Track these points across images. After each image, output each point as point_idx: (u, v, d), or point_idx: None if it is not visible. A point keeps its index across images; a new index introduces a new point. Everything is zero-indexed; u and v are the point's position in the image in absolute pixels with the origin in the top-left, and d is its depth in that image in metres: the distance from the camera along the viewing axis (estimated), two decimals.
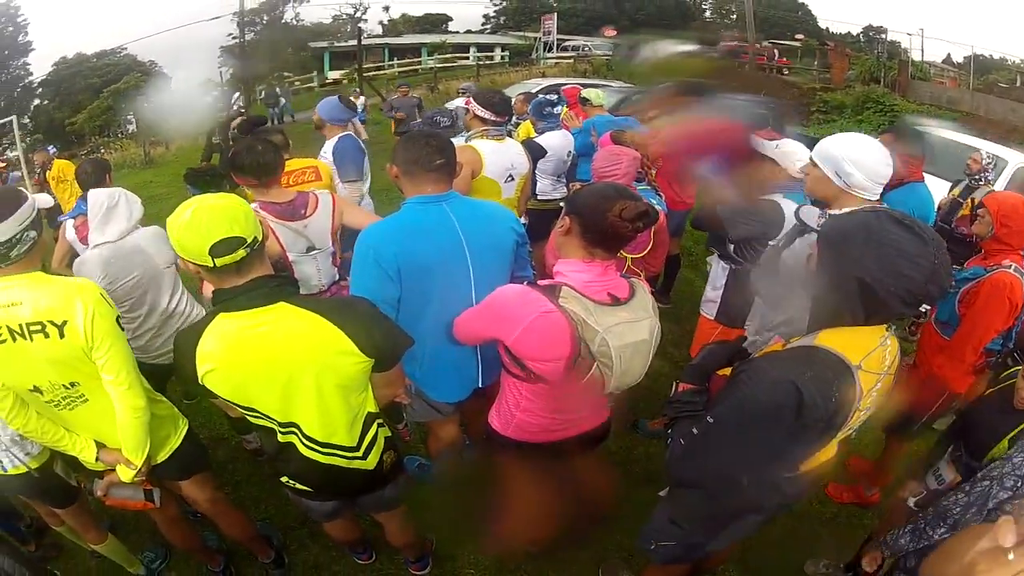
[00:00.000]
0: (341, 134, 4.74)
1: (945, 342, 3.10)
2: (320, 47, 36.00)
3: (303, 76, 33.39)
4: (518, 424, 2.34)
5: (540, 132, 5.56)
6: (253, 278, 1.82)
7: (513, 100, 6.11)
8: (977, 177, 5.42)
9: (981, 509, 1.99)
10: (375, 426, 2.16)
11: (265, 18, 38.33)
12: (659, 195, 3.95)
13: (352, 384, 2.00)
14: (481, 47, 37.65)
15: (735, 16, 38.21)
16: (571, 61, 30.57)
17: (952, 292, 3.02)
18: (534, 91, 10.29)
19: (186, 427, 2.66)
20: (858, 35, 38.03)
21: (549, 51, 32.71)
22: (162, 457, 2.55)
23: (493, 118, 3.98)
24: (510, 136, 4.54)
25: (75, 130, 30.94)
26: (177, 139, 20.04)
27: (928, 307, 1.63)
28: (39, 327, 2.11)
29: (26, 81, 34.24)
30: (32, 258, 2.19)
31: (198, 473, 2.76)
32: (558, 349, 1.97)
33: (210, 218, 1.71)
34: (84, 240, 3.41)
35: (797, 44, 33.21)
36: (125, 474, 2.39)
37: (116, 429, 2.32)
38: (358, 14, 39.42)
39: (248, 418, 2.04)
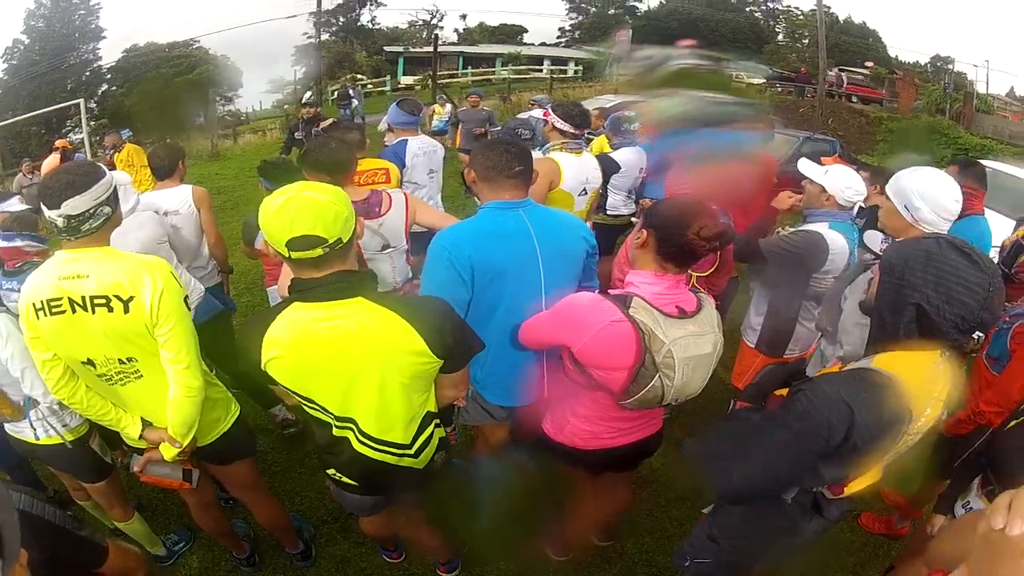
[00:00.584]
0: (397, 139, 4.91)
1: (994, 377, 3.05)
2: (395, 51, 36.76)
3: (376, 80, 34.08)
4: (571, 430, 2.43)
5: (615, 148, 5.56)
6: (332, 272, 1.84)
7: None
8: None
9: None
10: (432, 426, 2.16)
11: (342, 19, 39.35)
12: (727, 215, 3.91)
13: (417, 384, 2.00)
14: (555, 60, 37.90)
15: (807, 40, 38.01)
16: None
17: (1006, 328, 2.99)
18: (607, 106, 10.31)
19: (237, 412, 2.70)
20: (926, 65, 37.51)
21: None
22: (208, 440, 2.58)
23: (572, 131, 4.02)
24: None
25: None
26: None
27: (981, 335, 1.71)
28: (103, 301, 2.16)
29: (95, 66, 35.59)
30: (103, 233, 2.24)
31: (241, 459, 2.79)
32: (623, 358, 2.05)
33: (297, 212, 1.72)
34: None
35: (866, 71, 32.80)
36: (168, 452, 2.42)
37: (165, 409, 2.35)
38: (434, 21, 40.15)
39: (304, 408, 2.05)
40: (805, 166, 3.27)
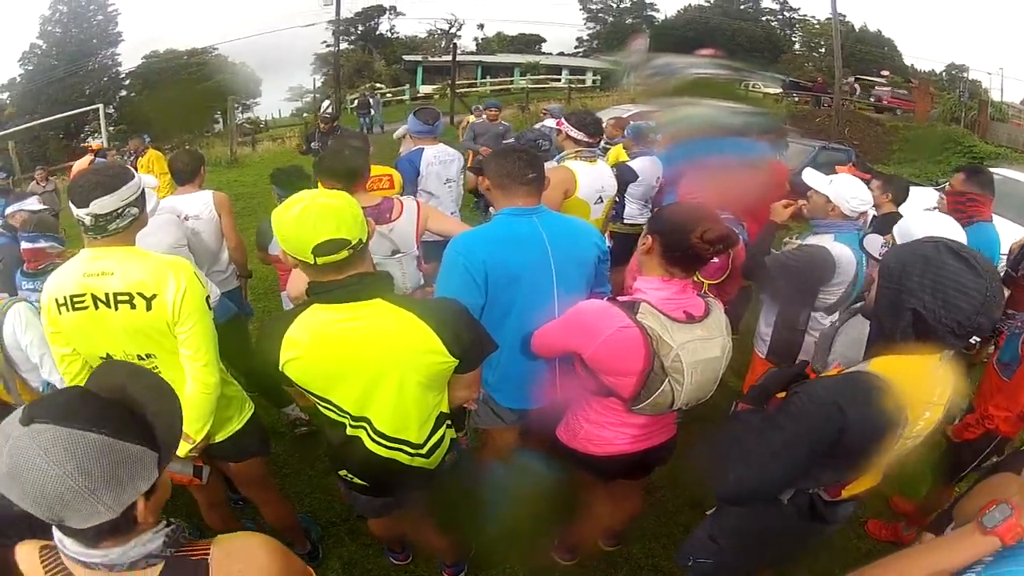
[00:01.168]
0: (413, 147, 5.01)
1: (1004, 383, 3.08)
2: (414, 60, 37.04)
3: (395, 88, 34.35)
4: (584, 436, 2.47)
5: (633, 157, 5.62)
6: (352, 274, 1.90)
7: (604, 123, 6.23)
8: None
9: None
10: (444, 427, 2.21)
11: (360, 28, 39.68)
12: (741, 224, 3.97)
13: (433, 383, 2.06)
14: (573, 70, 38.02)
15: (823, 50, 38.17)
16: None
17: (1017, 333, 3.05)
18: (624, 116, 10.34)
19: (251, 411, 2.77)
20: (941, 73, 37.44)
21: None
22: (221, 437, 2.65)
23: (586, 139, 4.09)
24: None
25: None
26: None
27: (978, 339, 1.73)
28: (127, 298, 2.24)
29: (114, 71, 35.98)
30: (129, 233, 2.32)
31: (253, 457, 2.85)
32: (633, 363, 2.11)
33: (317, 218, 1.79)
34: None
35: (883, 80, 32.75)
36: (181, 448, 2.45)
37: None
38: (453, 30, 40.44)
39: (319, 408, 2.11)
40: (809, 176, 3.32)
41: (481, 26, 42.74)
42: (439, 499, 2.42)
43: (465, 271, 2.47)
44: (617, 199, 4.58)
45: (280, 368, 1.95)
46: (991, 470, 2.57)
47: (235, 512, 3.27)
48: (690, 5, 43.30)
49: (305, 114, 31.88)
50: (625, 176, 4.77)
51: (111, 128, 26.47)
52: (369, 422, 2.06)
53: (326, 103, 18.88)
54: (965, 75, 33.30)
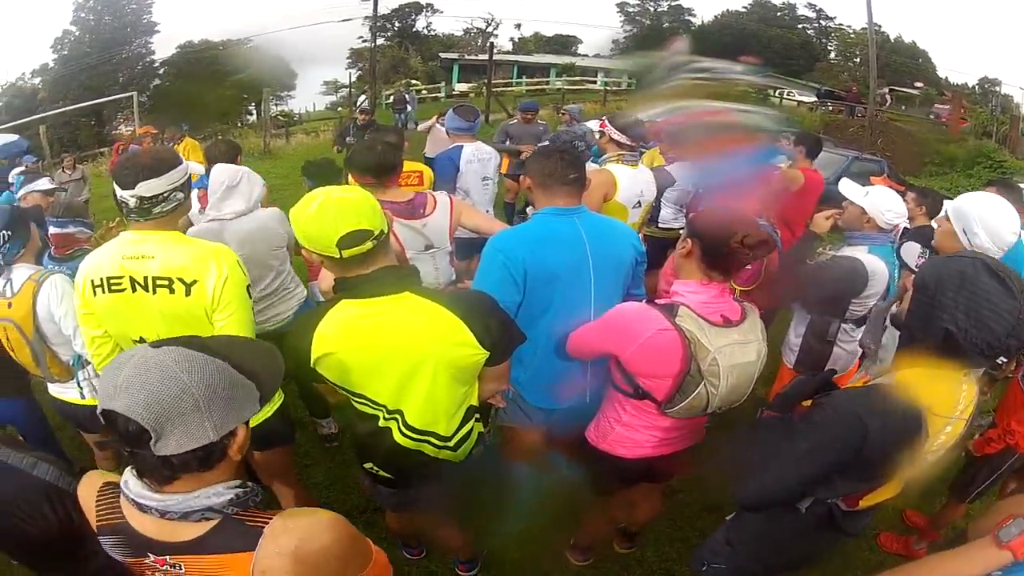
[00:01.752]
0: (453, 145, 5.07)
1: None
2: (450, 58, 37.12)
3: (431, 86, 34.51)
4: (615, 438, 2.50)
5: (671, 161, 5.62)
6: (379, 268, 1.93)
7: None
8: None
9: None
10: (472, 420, 2.23)
11: (397, 24, 39.86)
12: (775, 231, 3.96)
13: (464, 375, 2.07)
14: (609, 72, 37.93)
15: (858, 59, 37.89)
16: None
17: None
18: (659, 120, 10.25)
19: (281, 400, 2.79)
20: (973, 86, 36.92)
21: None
22: (251, 424, 2.67)
23: (628, 143, 4.12)
24: None
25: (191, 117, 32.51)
26: None
27: (1004, 360, 1.76)
28: (166, 282, 2.28)
29: (147, 60, 36.43)
30: (173, 218, 2.37)
31: (278, 446, 2.89)
32: (670, 366, 2.15)
33: (338, 211, 1.81)
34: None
35: (916, 92, 32.44)
36: None
37: None
38: (489, 29, 40.46)
39: (353, 402, 2.12)
40: (846, 187, 3.33)
41: (518, 26, 42.71)
42: (461, 493, 2.42)
43: (504, 268, 2.51)
44: (653, 203, 4.59)
45: (312, 365, 1.97)
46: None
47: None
48: (727, 11, 43.31)
49: (339, 108, 32.08)
50: (662, 180, 4.76)
51: (144, 116, 26.81)
52: (402, 414, 2.08)
53: (362, 98, 18.99)
54: (998, 89, 32.88)
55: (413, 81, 34.15)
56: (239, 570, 1.29)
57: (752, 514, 2.21)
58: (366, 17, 34.90)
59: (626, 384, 2.33)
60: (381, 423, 2.12)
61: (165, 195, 2.26)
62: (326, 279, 2.64)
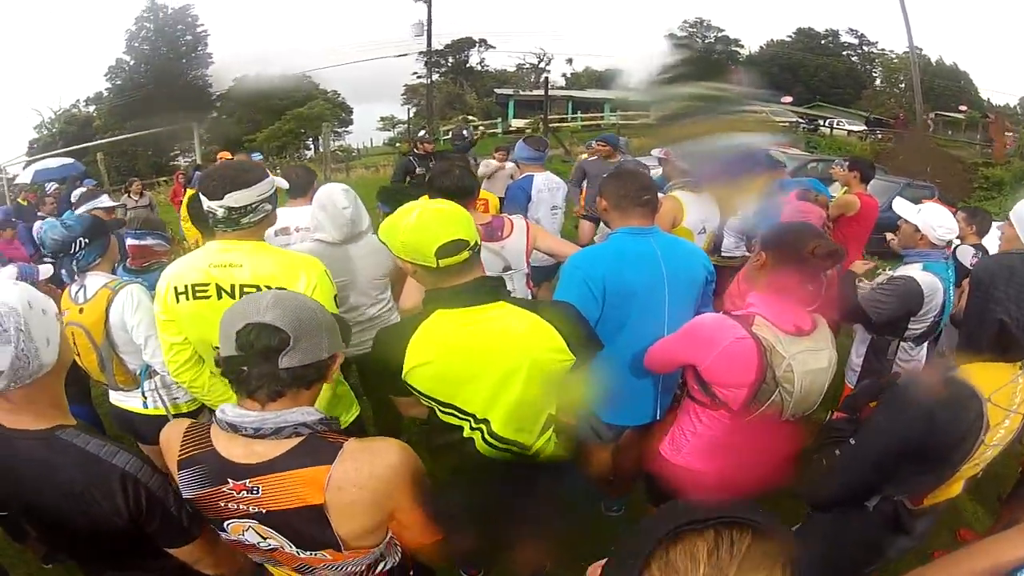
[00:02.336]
0: (524, 175, 5.26)
1: None
2: (505, 94, 37.64)
3: (487, 122, 35.02)
4: (690, 450, 2.54)
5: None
6: (476, 277, 2.00)
7: None
8: None
9: None
10: (551, 429, 2.25)
11: (451, 60, 40.63)
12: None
13: (553, 382, 2.10)
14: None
15: (903, 85, 37.91)
16: None
17: None
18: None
19: (357, 412, 2.87)
20: (1015, 106, 36.24)
21: None
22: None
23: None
24: None
25: (253, 147, 32.53)
26: None
27: None
28: (254, 290, 2.34)
29: (205, 92, 37.55)
30: (259, 229, 2.47)
31: None
32: (747, 374, 2.22)
33: (437, 221, 1.89)
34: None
35: (961, 116, 32.12)
36: None
37: None
38: (542, 64, 41.00)
39: (438, 412, 2.11)
40: (899, 205, 3.49)
41: (570, 61, 43.33)
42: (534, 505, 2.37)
43: (584, 284, 2.60)
44: (716, 232, 4.68)
45: (403, 377, 1.99)
46: None
47: None
48: (772, 40, 43.40)
49: (397, 144, 32.61)
50: None
51: (202, 147, 27.61)
52: (488, 423, 2.09)
53: (422, 132, 19.37)
54: None
55: (469, 116, 34.64)
56: (314, 485, 1.46)
57: (820, 515, 2.26)
58: (420, 52, 35.71)
59: (702, 394, 2.39)
60: (466, 433, 2.12)
61: (253, 206, 2.36)
62: (411, 298, 2.71)
